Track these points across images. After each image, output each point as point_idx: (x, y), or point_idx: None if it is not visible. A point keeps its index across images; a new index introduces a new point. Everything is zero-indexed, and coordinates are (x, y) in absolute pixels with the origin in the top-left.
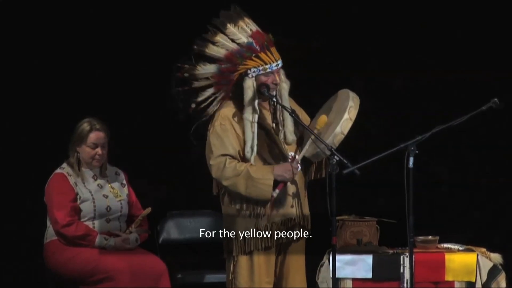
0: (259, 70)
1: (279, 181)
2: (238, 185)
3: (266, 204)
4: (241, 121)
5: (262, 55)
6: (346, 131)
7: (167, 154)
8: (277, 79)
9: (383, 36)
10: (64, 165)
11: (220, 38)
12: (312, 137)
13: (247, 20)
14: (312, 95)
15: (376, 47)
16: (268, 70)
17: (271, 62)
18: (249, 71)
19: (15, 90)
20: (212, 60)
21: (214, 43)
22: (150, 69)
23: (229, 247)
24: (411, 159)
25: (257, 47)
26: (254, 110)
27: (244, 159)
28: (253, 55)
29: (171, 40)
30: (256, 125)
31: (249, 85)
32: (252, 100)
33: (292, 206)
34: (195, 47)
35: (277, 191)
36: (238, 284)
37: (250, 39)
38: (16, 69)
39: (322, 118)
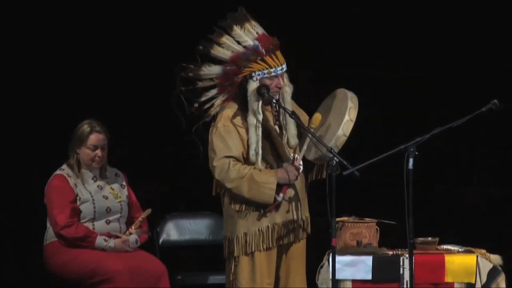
0: (264, 74)
1: (283, 184)
2: (242, 188)
3: (266, 207)
4: (244, 123)
5: (268, 59)
6: (348, 132)
7: (167, 155)
8: (281, 83)
9: (383, 36)
10: (64, 166)
11: (225, 39)
12: (312, 138)
13: (253, 22)
14: (312, 95)
15: (376, 47)
16: (273, 74)
17: (276, 66)
18: (253, 74)
19: (15, 91)
20: (216, 61)
21: (219, 44)
22: (150, 69)
23: (230, 247)
24: (411, 161)
25: (263, 50)
26: (257, 113)
27: (247, 161)
28: (259, 58)
29: (170, 41)
30: (260, 128)
31: (254, 88)
32: (256, 103)
33: (292, 209)
34: (200, 47)
35: (281, 195)
36: (239, 284)
37: (256, 42)
38: (16, 70)
39: (316, 117)
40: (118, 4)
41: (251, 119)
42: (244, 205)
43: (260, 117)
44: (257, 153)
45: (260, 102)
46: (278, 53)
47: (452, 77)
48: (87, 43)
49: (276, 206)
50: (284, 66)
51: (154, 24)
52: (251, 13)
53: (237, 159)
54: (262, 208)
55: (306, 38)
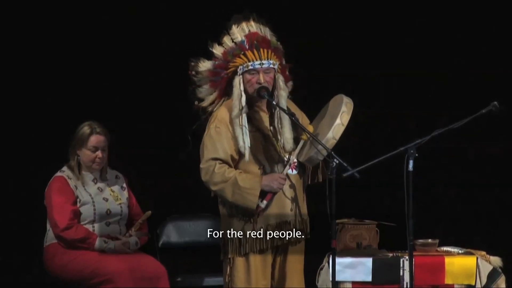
0: (243, 68)
1: (267, 191)
2: (225, 192)
3: (253, 213)
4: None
5: (248, 53)
6: (338, 136)
7: (167, 157)
8: (261, 79)
9: (383, 36)
10: (64, 168)
11: (226, 39)
12: (308, 140)
13: (252, 22)
14: (312, 96)
15: (376, 48)
16: (250, 67)
17: (254, 60)
18: (238, 70)
19: (16, 93)
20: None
21: (221, 44)
22: (150, 70)
23: (225, 248)
24: (411, 162)
25: (247, 45)
26: (242, 108)
27: (239, 160)
28: (242, 53)
29: (170, 41)
30: (244, 120)
31: (236, 83)
32: (239, 98)
33: (287, 210)
34: (209, 48)
35: (265, 202)
36: (234, 286)
37: (244, 38)
38: (17, 72)
39: (308, 128)
40: (117, 5)
41: (234, 113)
42: (233, 209)
43: (244, 112)
44: (245, 144)
45: (244, 98)
46: (265, 50)
47: (453, 77)
48: (87, 44)
49: (272, 208)
50: (266, 62)
51: (154, 25)
52: (250, 14)
53: (223, 162)
54: (249, 215)
55: (306, 39)
